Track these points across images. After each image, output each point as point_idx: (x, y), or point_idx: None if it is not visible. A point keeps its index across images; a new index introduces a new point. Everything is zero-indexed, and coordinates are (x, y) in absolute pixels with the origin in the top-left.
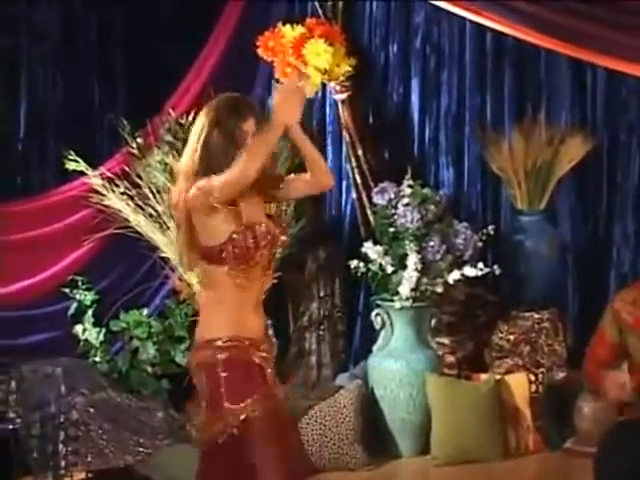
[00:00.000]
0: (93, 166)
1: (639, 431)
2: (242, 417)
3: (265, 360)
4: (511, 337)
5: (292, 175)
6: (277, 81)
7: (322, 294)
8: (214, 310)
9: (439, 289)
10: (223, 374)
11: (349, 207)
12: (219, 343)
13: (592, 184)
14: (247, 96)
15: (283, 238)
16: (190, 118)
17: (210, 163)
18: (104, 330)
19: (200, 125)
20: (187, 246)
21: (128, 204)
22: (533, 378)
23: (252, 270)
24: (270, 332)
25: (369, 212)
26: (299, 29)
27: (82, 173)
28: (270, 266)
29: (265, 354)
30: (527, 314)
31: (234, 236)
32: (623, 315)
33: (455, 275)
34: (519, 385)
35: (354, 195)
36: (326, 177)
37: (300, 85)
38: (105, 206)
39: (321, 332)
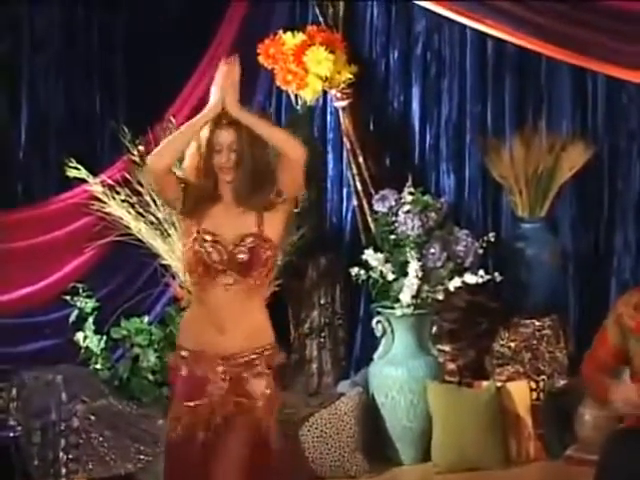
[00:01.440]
0: (94, 173)
1: (638, 437)
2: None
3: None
4: (512, 344)
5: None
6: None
7: (323, 301)
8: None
9: (440, 296)
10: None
11: (350, 214)
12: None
13: (593, 191)
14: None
15: (268, 253)
16: None
17: (209, 164)
18: (105, 337)
19: None
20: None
21: (129, 211)
22: (534, 385)
23: (207, 282)
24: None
25: (370, 219)
26: (300, 36)
27: (83, 180)
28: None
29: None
30: (528, 321)
31: (186, 246)
32: (625, 318)
33: (456, 282)
34: (520, 392)
35: (355, 202)
36: (291, 147)
37: (229, 67)
38: (106, 213)
39: (322, 339)
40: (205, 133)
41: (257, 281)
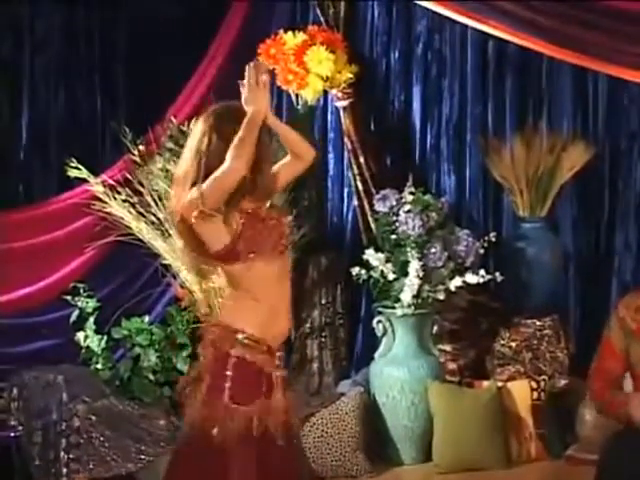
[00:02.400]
0: (95, 173)
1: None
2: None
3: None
4: (513, 344)
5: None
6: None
7: (324, 301)
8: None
9: (441, 296)
10: (229, 372)
11: (351, 214)
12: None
13: (594, 192)
14: (234, 102)
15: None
16: (192, 126)
17: (208, 169)
18: (106, 337)
19: (198, 131)
20: (197, 254)
21: (130, 211)
22: (535, 385)
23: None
24: None
25: (371, 219)
26: (301, 36)
27: (84, 180)
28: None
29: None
30: (529, 321)
31: (240, 227)
32: (628, 321)
33: (457, 282)
34: (521, 392)
35: (356, 202)
36: (306, 149)
37: (260, 75)
38: (107, 213)
39: (323, 339)
40: (214, 131)
41: (287, 263)
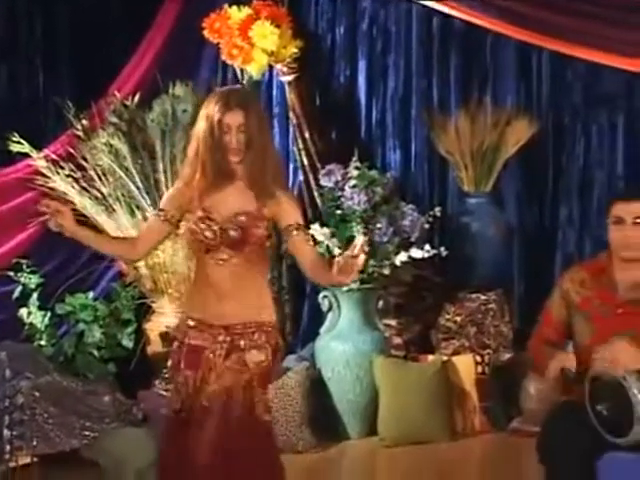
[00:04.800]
0: (38, 148)
1: (581, 410)
2: None
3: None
4: (458, 318)
5: (305, 243)
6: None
7: (269, 277)
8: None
9: (386, 271)
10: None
11: (296, 189)
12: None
13: (538, 167)
14: (238, 86)
15: (261, 232)
16: (135, 99)
17: (196, 153)
18: (49, 313)
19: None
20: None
21: (73, 186)
22: (479, 359)
23: (204, 257)
24: None
25: (316, 194)
26: (246, 11)
27: (26, 155)
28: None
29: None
30: (473, 295)
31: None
32: (572, 294)
33: (402, 257)
34: (466, 366)
35: (301, 177)
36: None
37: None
38: (50, 188)
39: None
40: (216, 115)
41: (251, 258)
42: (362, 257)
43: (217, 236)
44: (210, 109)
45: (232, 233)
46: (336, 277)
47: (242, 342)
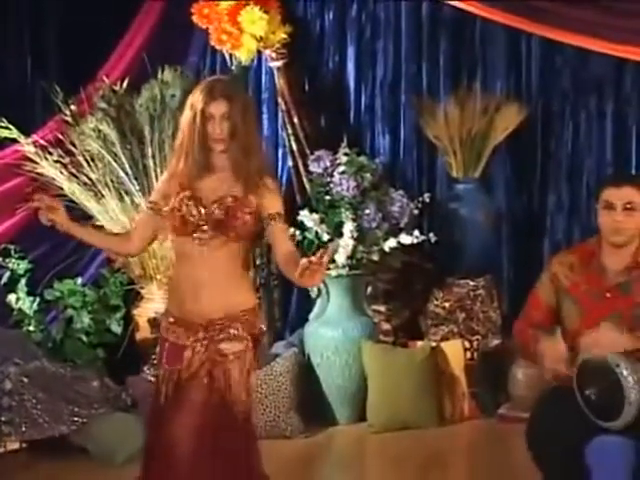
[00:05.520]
0: (26, 134)
1: (569, 396)
2: None
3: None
4: (446, 304)
5: (282, 234)
6: None
7: (258, 262)
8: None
9: (375, 257)
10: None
11: (285, 175)
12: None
13: (527, 153)
14: (223, 76)
15: (246, 218)
16: (124, 85)
17: (181, 143)
18: (38, 299)
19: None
20: None
21: (62, 172)
22: (468, 345)
23: (185, 238)
24: None
25: (305, 180)
26: None
27: (15, 141)
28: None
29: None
30: (462, 282)
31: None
32: (561, 278)
33: (391, 243)
34: (454, 352)
35: (290, 163)
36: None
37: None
38: (38, 174)
39: (257, 300)
40: (199, 104)
41: (233, 244)
42: (325, 264)
43: (202, 215)
44: (195, 98)
45: (217, 212)
46: (298, 278)
47: (221, 335)
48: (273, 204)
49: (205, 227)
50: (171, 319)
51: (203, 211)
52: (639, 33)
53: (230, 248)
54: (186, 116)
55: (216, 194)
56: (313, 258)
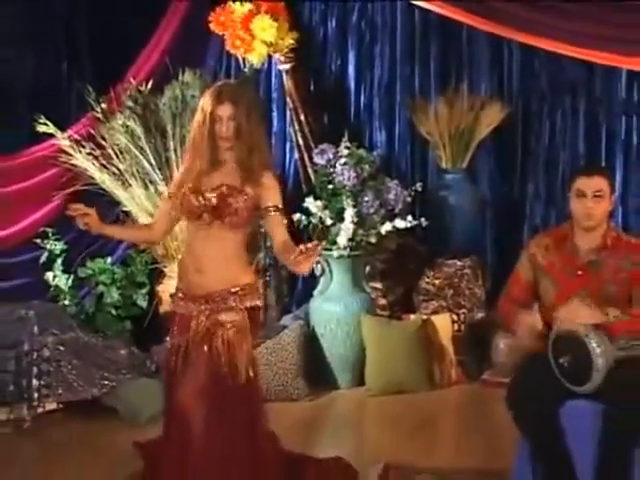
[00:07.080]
0: (62, 129)
1: (545, 363)
2: None
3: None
4: (436, 282)
5: (279, 225)
6: None
7: (268, 244)
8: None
9: (373, 239)
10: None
11: (292, 166)
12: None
13: (508, 146)
14: (230, 81)
15: (240, 205)
16: (149, 85)
17: (193, 141)
18: (72, 276)
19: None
20: None
21: (93, 163)
22: (456, 318)
23: (192, 225)
24: None
25: (310, 171)
26: (247, 6)
27: (51, 135)
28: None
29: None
30: (451, 262)
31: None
32: (539, 258)
33: (387, 227)
34: (443, 324)
35: (297, 155)
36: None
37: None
38: (72, 165)
39: (267, 278)
40: (209, 107)
41: (230, 228)
42: (316, 253)
43: (201, 204)
44: (205, 102)
45: (212, 199)
46: (291, 265)
47: (220, 306)
48: (271, 197)
49: (205, 214)
50: (180, 294)
51: (202, 201)
52: (584, 35)
53: (229, 232)
54: (197, 117)
55: (215, 183)
56: (309, 245)
